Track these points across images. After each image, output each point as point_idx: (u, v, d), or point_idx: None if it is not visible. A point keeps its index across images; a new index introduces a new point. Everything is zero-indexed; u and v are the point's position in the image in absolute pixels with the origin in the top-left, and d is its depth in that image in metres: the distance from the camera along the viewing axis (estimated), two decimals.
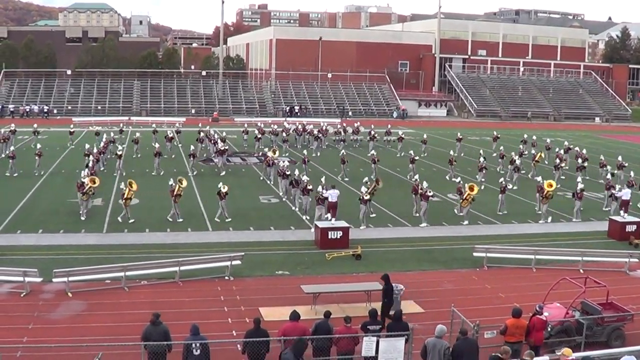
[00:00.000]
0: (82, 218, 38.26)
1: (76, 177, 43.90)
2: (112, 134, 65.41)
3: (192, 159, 53.36)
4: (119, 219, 38.09)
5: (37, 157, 52.17)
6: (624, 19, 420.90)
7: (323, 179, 40.87)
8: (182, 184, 38.76)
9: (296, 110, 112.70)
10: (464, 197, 39.82)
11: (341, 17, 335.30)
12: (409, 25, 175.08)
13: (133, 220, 37.87)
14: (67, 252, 31.66)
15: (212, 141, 59.94)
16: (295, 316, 19.21)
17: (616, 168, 52.50)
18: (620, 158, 53.92)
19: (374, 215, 40.49)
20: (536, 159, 57.25)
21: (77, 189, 39.44)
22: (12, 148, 56.24)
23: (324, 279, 28.62)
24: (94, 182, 39.10)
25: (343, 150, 56.59)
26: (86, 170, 43.03)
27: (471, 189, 39.74)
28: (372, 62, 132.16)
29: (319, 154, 65.19)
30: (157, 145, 57.42)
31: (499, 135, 71.68)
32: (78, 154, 59.67)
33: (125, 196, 38.13)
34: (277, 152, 56.07)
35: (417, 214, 39.97)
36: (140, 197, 42.30)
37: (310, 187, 40.09)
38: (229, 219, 38.45)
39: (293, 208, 42.38)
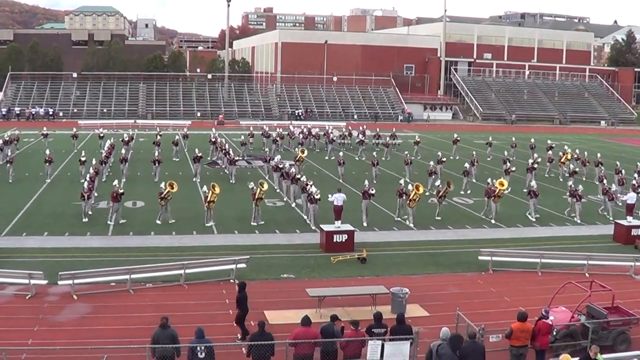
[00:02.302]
0: (158, 222, 38.44)
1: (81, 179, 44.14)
2: (125, 136, 64.82)
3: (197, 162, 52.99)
4: (206, 222, 38.42)
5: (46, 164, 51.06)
6: (630, 22, 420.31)
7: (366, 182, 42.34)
8: (215, 189, 38.74)
9: (300, 114, 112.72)
10: (411, 197, 39.87)
11: (347, 20, 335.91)
12: (414, 29, 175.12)
13: (212, 224, 38.27)
14: (72, 255, 31.72)
15: (223, 150, 58.01)
16: (306, 321, 19.19)
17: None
18: None
19: (438, 218, 41.41)
20: (562, 160, 58.97)
21: (80, 196, 39.23)
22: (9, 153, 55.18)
23: (329, 282, 28.60)
24: (173, 188, 39.02)
25: (374, 153, 56.38)
26: (87, 180, 42.51)
27: (417, 188, 39.96)
28: (377, 66, 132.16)
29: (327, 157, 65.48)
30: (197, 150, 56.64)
31: (458, 138, 70.96)
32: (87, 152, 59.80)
33: (208, 199, 38.35)
34: (306, 152, 58.15)
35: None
36: (146, 200, 42.36)
37: (298, 176, 44.58)
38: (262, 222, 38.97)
39: (285, 198, 44.32)
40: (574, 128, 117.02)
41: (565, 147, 64.79)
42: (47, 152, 52.77)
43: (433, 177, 49.90)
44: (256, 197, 38.53)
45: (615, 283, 26.31)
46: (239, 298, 22.59)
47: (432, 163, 51.85)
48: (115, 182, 39.99)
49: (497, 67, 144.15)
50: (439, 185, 42.91)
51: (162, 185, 39.52)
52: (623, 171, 53.14)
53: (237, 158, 55.65)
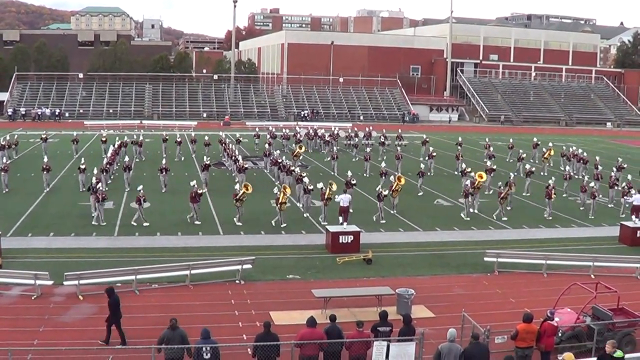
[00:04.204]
0: (239, 223, 38.84)
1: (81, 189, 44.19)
2: (126, 137, 64.57)
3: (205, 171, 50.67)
4: (272, 222, 38.72)
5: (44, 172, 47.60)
6: (636, 23, 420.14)
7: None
8: (286, 191, 39.41)
9: (306, 115, 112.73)
10: (394, 187, 42.48)
11: (353, 21, 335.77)
12: (420, 30, 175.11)
13: (285, 225, 38.57)
14: (78, 255, 31.77)
15: (233, 157, 56.19)
16: (312, 322, 19.20)
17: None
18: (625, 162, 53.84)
19: (505, 218, 42.04)
20: (545, 156, 61.78)
21: (91, 195, 39.21)
22: (4, 160, 52.47)
23: (335, 283, 28.62)
24: (247, 189, 39.30)
25: (383, 163, 56.11)
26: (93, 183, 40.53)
27: (399, 179, 43.02)
28: (383, 67, 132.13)
29: (330, 158, 65.41)
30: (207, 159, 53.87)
31: (427, 139, 70.56)
32: (89, 156, 59.74)
33: (280, 201, 38.64)
34: (303, 148, 61.97)
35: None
36: (152, 201, 42.38)
37: (293, 168, 48.33)
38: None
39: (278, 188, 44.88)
40: (580, 130, 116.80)
41: (550, 144, 65.15)
42: (45, 159, 50.02)
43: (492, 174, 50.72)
44: (325, 196, 39.62)
45: (620, 285, 26.26)
46: (109, 303, 22.08)
47: (422, 165, 52.63)
48: (194, 182, 40.68)
49: (503, 68, 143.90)
50: (500, 187, 43.67)
51: (237, 186, 40.09)
52: (600, 167, 54.49)
53: (245, 165, 52.41)
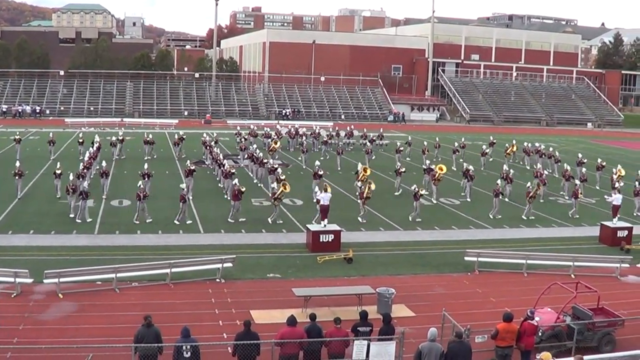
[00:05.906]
0: (270, 221, 38.97)
1: (67, 178, 43.73)
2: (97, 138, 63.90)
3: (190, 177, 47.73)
4: (314, 222, 38.15)
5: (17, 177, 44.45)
6: (617, 24, 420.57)
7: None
8: (285, 188, 39.27)
9: (288, 113, 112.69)
10: (359, 177, 45.18)
11: (335, 20, 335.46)
12: (402, 29, 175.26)
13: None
14: (58, 253, 31.58)
15: (218, 162, 52.93)
16: (292, 321, 19.18)
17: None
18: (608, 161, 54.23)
19: (532, 217, 42.76)
20: (507, 152, 64.22)
21: (70, 196, 39.03)
22: None
23: (316, 282, 28.59)
24: (286, 188, 39.32)
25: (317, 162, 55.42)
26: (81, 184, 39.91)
27: (365, 170, 45.57)
28: (365, 66, 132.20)
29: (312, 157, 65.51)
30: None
31: (374, 138, 71.31)
32: (69, 155, 59.45)
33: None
34: (279, 143, 63.69)
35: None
36: (133, 199, 42.23)
37: (265, 160, 51.57)
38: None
39: (254, 180, 48.20)
40: (561, 130, 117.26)
41: (514, 141, 66.17)
42: (17, 164, 46.76)
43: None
44: (275, 196, 39.43)
45: (601, 284, 26.37)
46: None
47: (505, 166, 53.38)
48: (236, 181, 40.91)
49: (484, 68, 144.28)
50: (529, 187, 44.00)
51: (275, 185, 40.19)
52: (539, 165, 56.33)
53: (232, 171, 49.06)
